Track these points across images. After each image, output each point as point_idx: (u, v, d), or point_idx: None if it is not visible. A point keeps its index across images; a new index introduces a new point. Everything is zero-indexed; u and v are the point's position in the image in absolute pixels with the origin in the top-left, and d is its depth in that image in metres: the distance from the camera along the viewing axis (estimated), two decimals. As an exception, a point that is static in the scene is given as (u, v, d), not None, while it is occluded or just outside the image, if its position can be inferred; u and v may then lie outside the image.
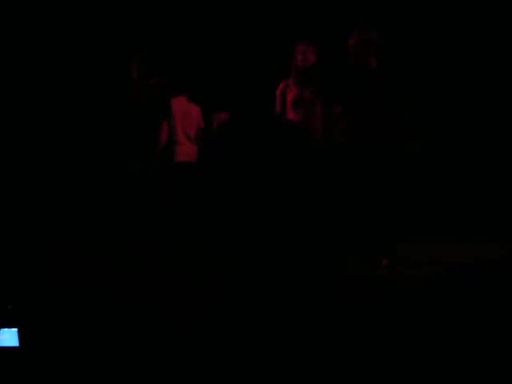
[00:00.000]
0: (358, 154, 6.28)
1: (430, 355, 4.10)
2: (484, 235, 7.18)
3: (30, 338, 4.16)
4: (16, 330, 4.16)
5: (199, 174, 6.89)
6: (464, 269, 5.86)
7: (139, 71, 6.62)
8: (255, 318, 4.62)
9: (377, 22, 6.63)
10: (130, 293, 5.26)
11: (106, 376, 3.98)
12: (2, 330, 4.14)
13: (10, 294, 4.83)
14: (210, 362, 4.01)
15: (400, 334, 4.44)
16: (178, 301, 5.07)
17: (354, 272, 5.98)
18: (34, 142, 8.29)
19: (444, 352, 4.19)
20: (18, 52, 8.32)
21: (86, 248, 6.91)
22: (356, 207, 6.28)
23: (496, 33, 7.89)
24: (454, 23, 7.95)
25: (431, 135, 7.53)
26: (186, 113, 7.00)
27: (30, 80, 8.30)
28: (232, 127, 6.54)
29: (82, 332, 4.39)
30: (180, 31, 8.01)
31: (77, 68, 8.25)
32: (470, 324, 4.45)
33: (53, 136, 8.29)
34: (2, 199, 7.91)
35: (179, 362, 4.04)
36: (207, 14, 8.04)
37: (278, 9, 7.91)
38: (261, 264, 5.97)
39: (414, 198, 7.40)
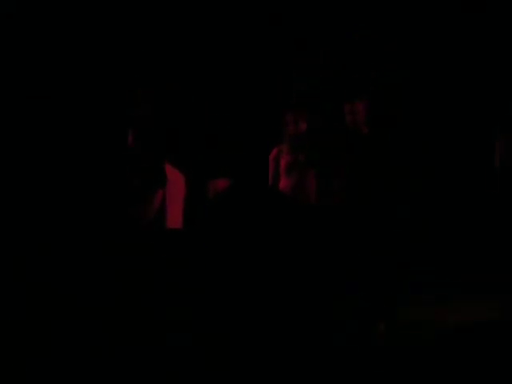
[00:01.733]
0: (352, 217, 6.33)
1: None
2: (483, 293, 7.21)
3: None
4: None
5: (188, 242, 6.81)
6: (461, 332, 5.87)
7: (136, 138, 6.64)
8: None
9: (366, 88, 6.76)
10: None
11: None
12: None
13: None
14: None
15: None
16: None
17: (350, 335, 5.93)
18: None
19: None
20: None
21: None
22: (353, 269, 6.29)
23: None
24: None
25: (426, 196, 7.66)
26: (172, 180, 6.97)
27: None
28: (229, 198, 6.50)
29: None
30: (172, 103, 8.07)
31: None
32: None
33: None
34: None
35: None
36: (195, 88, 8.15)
37: (270, 74, 8.04)
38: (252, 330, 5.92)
39: (412, 257, 7.42)
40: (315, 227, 6.47)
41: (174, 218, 6.95)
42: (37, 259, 7.78)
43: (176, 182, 7.00)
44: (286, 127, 6.64)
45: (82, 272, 7.48)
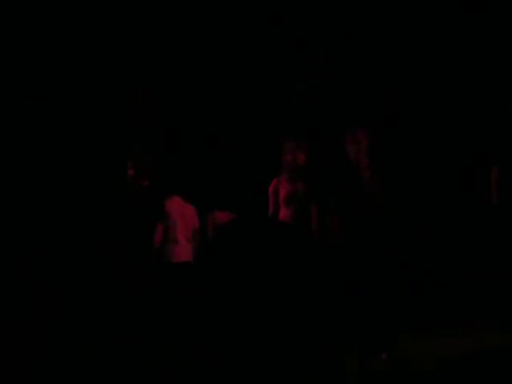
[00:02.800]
0: (352, 250, 6.41)
1: None
2: (483, 322, 7.29)
3: None
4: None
5: (196, 274, 6.90)
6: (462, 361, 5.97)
7: (135, 173, 6.71)
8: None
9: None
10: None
11: None
12: None
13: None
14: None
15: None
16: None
17: (352, 368, 6.05)
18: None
19: None
20: None
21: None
22: (355, 302, 6.40)
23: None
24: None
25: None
26: (182, 213, 7.04)
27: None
28: (230, 230, 6.55)
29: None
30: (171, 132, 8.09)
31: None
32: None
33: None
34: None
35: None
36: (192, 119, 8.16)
37: (267, 105, 8.01)
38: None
39: (411, 290, 7.52)
40: (318, 257, 6.55)
41: (185, 251, 7.05)
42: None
43: (187, 214, 7.07)
44: (285, 157, 6.66)
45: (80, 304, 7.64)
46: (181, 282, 6.85)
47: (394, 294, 6.39)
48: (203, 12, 8.33)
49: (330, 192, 6.52)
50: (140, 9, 8.37)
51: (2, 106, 8.32)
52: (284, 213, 6.68)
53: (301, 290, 6.40)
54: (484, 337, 6.72)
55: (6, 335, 6.80)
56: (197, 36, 8.36)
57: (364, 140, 6.42)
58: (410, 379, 5.68)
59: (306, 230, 6.60)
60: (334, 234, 6.48)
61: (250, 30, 8.20)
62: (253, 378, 5.79)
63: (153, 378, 5.88)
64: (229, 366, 6.03)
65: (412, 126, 8.17)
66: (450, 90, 8.22)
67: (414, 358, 6.20)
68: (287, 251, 6.45)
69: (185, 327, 6.72)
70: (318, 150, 6.85)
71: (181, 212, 7.00)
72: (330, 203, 6.50)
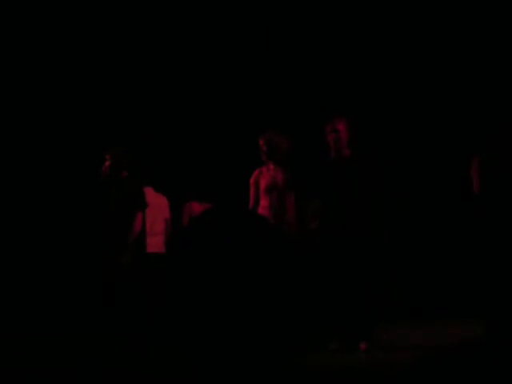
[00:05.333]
0: (331, 241, 6.20)
1: None
2: (459, 315, 7.13)
3: None
4: None
5: (169, 266, 6.70)
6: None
7: (112, 166, 6.52)
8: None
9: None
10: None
11: None
12: None
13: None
14: None
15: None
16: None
17: (331, 357, 5.91)
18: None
19: None
20: None
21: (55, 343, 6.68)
22: (333, 292, 6.19)
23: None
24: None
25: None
26: (154, 204, 6.92)
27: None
28: (204, 221, 6.33)
29: None
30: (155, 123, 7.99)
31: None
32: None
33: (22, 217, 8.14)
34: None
35: None
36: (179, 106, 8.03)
37: (253, 98, 7.89)
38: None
39: (389, 280, 7.36)
40: (290, 250, 6.33)
41: (158, 242, 6.89)
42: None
43: (160, 205, 6.94)
44: (264, 148, 6.45)
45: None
46: (152, 273, 6.65)
47: (370, 285, 6.14)
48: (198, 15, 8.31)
49: (309, 184, 6.35)
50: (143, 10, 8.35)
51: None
52: (264, 203, 6.48)
53: (272, 283, 6.18)
54: (458, 329, 6.75)
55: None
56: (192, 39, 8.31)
57: (344, 129, 6.24)
58: (386, 368, 5.45)
59: (283, 221, 6.39)
60: (309, 226, 6.31)
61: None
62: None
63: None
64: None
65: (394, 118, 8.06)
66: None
67: (390, 348, 6.12)
68: (259, 243, 6.23)
69: (159, 318, 6.49)
70: (301, 139, 6.64)
71: (152, 203, 6.86)
72: (309, 194, 6.34)
